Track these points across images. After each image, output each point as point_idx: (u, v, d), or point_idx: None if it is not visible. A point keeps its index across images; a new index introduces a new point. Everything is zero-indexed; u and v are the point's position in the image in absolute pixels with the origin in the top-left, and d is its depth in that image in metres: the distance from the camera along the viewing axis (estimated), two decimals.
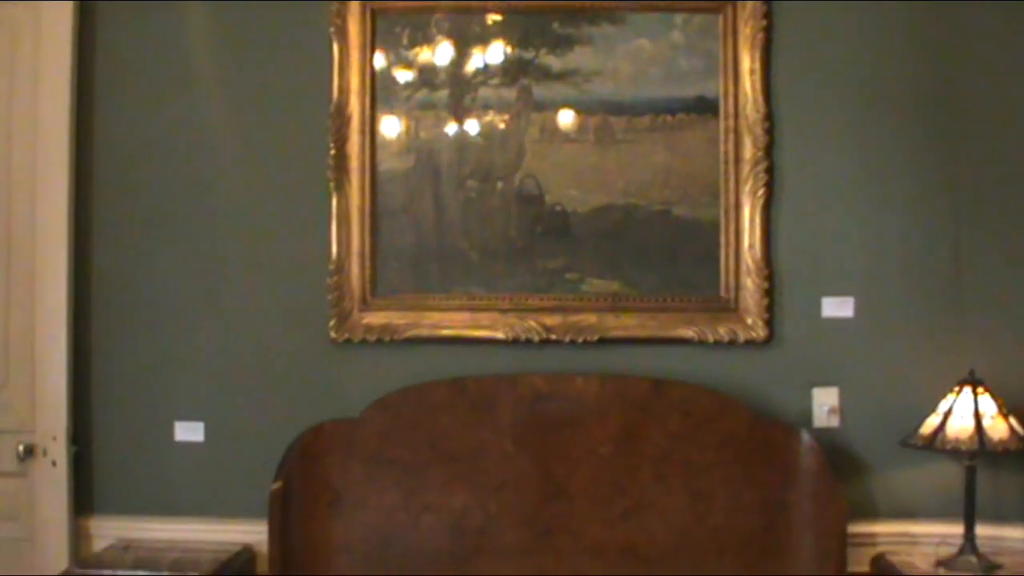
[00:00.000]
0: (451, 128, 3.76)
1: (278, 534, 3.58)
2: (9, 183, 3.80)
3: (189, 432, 3.80)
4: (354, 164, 3.74)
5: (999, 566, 3.42)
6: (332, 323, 3.74)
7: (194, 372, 3.81)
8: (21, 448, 3.75)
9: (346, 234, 3.74)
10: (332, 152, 3.74)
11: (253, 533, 3.69)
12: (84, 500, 3.82)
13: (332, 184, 3.74)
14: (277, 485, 3.58)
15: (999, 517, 3.62)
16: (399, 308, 3.75)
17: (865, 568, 3.63)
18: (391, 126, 3.77)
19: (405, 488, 3.64)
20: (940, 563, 3.47)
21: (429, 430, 3.64)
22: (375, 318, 3.74)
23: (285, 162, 3.79)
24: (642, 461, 3.60)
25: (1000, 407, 3.43)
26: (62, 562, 3.67)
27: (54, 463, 3.75)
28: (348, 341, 3.74)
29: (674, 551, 3.58)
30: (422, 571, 3.62)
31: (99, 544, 3.79)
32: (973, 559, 3.43)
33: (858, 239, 3.70)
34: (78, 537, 3.79)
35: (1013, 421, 3.42)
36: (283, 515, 3.59)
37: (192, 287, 3.81)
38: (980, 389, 3.45)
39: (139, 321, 3.81)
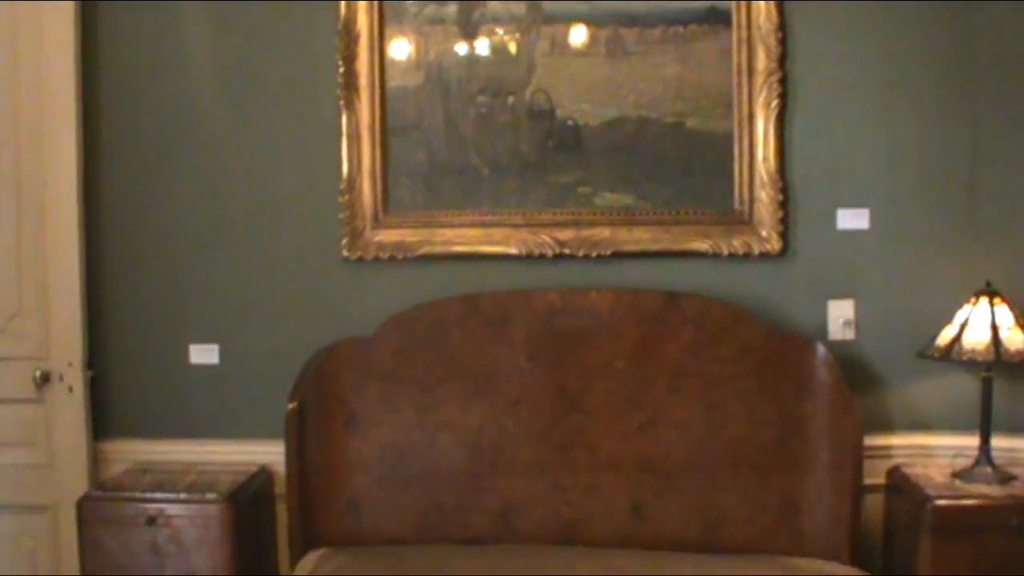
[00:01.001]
0: (460, 43, 3.71)
1: (294, 454, 3.60)
2: (16, 111, 3.76)
3: (204, 354, 3.81)
4: (363, 82, 3.70)
5: (1015, 477, 3.43)
6: (344, 242, 3.73)
7: (207, 294, 3.80)
8: (38, 375, 3.76)
9: (357, 152, 3.71)
10: (341, 70, 3.69)
11: (270, 454, 3.72)
12: (101, 424, 3.84)
13: (342, 102, 3.70)
14: (292, 405, 3.59)
15: (1015, 429, 3.62)
16: (411, 225, 3.73)
17: (881, 480, 3.64)
18: (400, 43, 3.72)
19: (420, 406, 3.64)
20: (956, 475, 3.47)
21: (443, 347, 3.63)
22: (387, 236, 3.73)
23: (294, 81, 3.75)
24: (657, 374, 3.59)
25: (1017, 318, 3.41)
26: (81, 486, 3.69)
27: (71, 389, 3.76)
28: (360, 259, 3.73)
29: (689, 464, 3.58)
30: (439, 488, 3.64)
31: (117, 468, 3.81)
32: (989, 470, 3.43)
33: (873, 150, 3.66)
34: (96, 461, 3.82)
35: None
36: (299, 435, 3.60)
37: (203, 209, 3.79)
38: (997, 300, 3.42)
39: (151, 245, 3.80)
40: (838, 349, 3.60)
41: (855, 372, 3.61)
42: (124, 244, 3.81)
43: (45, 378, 3.77)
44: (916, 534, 3.30)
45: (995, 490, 3.35)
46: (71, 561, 3.64)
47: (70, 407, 3.78)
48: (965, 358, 3.39)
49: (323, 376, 3.64)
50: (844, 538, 3.50)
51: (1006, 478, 3.41)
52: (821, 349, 3.55)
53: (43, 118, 3.74)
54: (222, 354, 3.81)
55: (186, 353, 3.82)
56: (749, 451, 3.58)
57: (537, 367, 3.62)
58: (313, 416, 3.63)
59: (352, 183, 3.72)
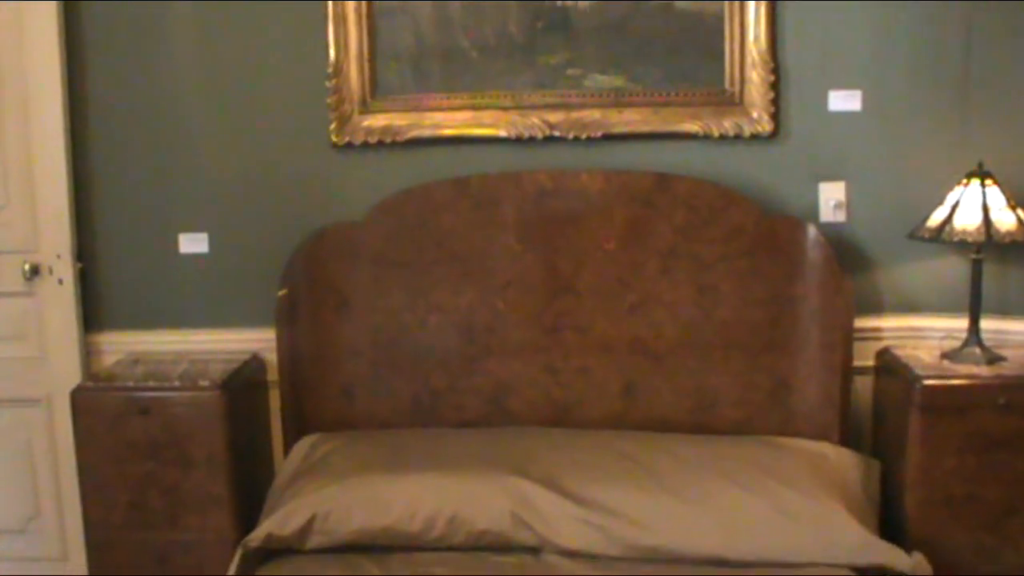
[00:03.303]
0: None
1: (286, 341, 3.62)
2: None
3: (193, 244, 3.79)
4: None
5: (1003, 358, 3.44)
6: (332, 127, 3.68)
7: (196, 183, 3.77)
8: (27, 267, 3.74)
9: (343, 36, 3.65)
10: None
11: (261, 341, 3.73)
12: (92, 316, 3.83)
13: None
14: (283, 292, 3.60)
15: (1004, 311, 3.63)
16: (400, 109, 3.68)
17: (870, 362, 3.66)
18: None
19: (412, 289, 3.64)
20: (945, 356, 3.48)
21: (434, 230, 3.62)
22: (375, 120, 3.68)
23: None
24: (648, 256, 3.58)
25: (1008, 199, 3.39)
26: (74, 378, 3.70)
27: (60, 281, 3.76)
28: (349, 144, 3.69)
29: (681, 345, 3.60)
30: (431, 371, 3.66)
31: (109, 359, 3.82)
32: (977, 351, 3.44)
33: (866, 30, 3.60)
34: (88, 353, 3.82)
35: (1021, 213, 3.39)
36: (290, 322, 3.61)
37: (190, 97, 3.74)
38: (988, 181, 3.40)
39: (138, 134, 3.76)
40: (829, 231, 3.59)
41: (846, 254, 3.61)
42: (111, 134, 3.76)
43: (34, 271, 3.76)
44: (905, 414, 3.33)
45: (983, 370, 3.37)
46: (67, 452, 3.66)
47: (60, 299, 3.77)
48: (956, 239, 3.38)
49: (313, 262, 3.63)
50: (834, 418, 3.53)
51: (994, 359, 3.42)
52: (812, 230, 3.54)
53: (22, 8, 3.66)
54: (211, 243, 3.79)
55: (175, 243, 3.79)
56: (740, 332, 3.59)
57: (528, 249, 3.61)
58: (304, 302, 3.63)
59: (339, 67, 3.66)
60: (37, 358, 3.82)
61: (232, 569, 3.07)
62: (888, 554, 3.01)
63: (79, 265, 3.78)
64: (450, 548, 3.12)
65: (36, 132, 3.71)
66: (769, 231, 3.57)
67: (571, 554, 3.07)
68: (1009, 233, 3.36)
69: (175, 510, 3.48)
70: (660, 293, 3.59)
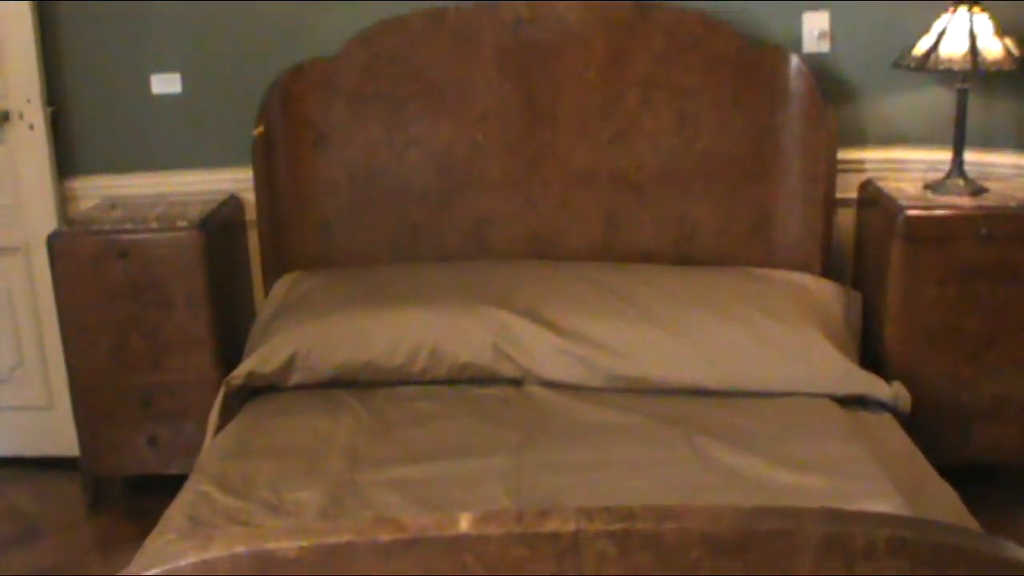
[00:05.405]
0: None
1: (263, 179, 3.57)
2: None
3: (166, 84, 3.70)
4: None
5: (985, 190, 3.41)
6: None
7: (166, 21, 3.66)
8: None
9: None
10: None
11: (238, 181, 3.68)
12: (66, 161, 3.75)
13: None
14: (259, 130, 3.54)
15: (988, 143, 3.58)
16: None
17: (853, 194, 3.63)
18: None
19: (389, 123, 3.58)
20: (928, 187, 3.45)
21: (410, 63, 3.54)
22: None
23: None
24: (628, 86, 3.52)
25: (996, 27, 3.32)
26: (51, 224, 3.64)
27: (31, 126, 3.66)
28: None
29: (662, 175, 3.56)
30: (410, 206, 3.62)
31: (85, 204, 3.75)
32: (960, 183, 3.41)
33: None
34: (64, 199, 3.76)
35: (1008, 42, 3.31)
36: (267, 160, 3.56)
37: None
38: (976, 8, 3.31)
39: None
40: (812, 62, 3.52)
41: (829, 86, 3.54)
42: None
43: (4, 117, 3.67)
44: (887, 245, 3.31)
45: (966, 201, 3.34)
46: (47, 300, 3.61)
47: (32, 145, 3.69)
48: (941, 68, 3.32)
49: (289, 98, 3.56)
50: (816, 250, 3.53)
51: (977, 190, 3.40)
52: (795, 60, 3.48)
53: None
54: (185, 82, 3.69)
55: (147, 83, 3.70)
56: (722, 163, 3.55)
57: (506, 80, 3.54)
58: (280, 140, 3.57)
59: None
60: (12, 206, 3.75)
61: (215, 408, 3.07)
62: (868, 383, 3.02)
63: (50, 109, 3.69)
64: (432, 381, 3.13)
65: None
66: (752, 61, 3.50)
67: (553, 385, 3.08)
68: (996, 62, 3.29)
69: (157, 352, 3.47)
70: (641, 123, 3.54)
